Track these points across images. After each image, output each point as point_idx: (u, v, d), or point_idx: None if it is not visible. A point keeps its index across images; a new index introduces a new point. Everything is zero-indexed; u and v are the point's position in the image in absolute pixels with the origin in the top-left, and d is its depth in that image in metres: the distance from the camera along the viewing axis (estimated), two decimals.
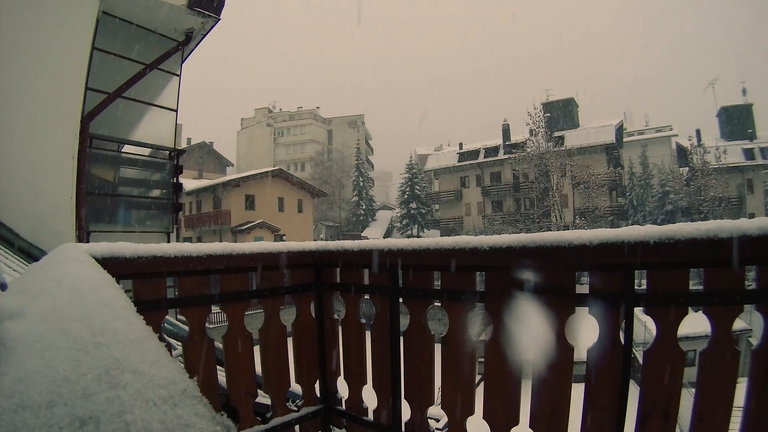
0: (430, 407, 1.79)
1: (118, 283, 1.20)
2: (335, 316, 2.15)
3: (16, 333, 0.85)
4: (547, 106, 33.10)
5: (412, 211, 37.32)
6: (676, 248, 1.16)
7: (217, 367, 1.71)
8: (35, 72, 3.29)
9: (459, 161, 37.14)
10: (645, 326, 9.04)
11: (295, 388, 2.06)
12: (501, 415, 1.53)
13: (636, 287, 1.29)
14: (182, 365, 1.53)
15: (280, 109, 54.05)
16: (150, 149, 6.01)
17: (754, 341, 1.19)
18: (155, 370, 0.92)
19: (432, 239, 1.66)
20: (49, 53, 3.41)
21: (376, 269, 1.88)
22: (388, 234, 38.30)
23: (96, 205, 5.14)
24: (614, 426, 1.29)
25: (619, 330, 1.32)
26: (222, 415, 1.39)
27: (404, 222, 37.62)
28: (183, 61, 5.86)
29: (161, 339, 1.30)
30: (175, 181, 5.97)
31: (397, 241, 1.77)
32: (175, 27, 5.35)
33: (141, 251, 1.45)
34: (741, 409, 1.14)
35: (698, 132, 32.87)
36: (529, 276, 1.54)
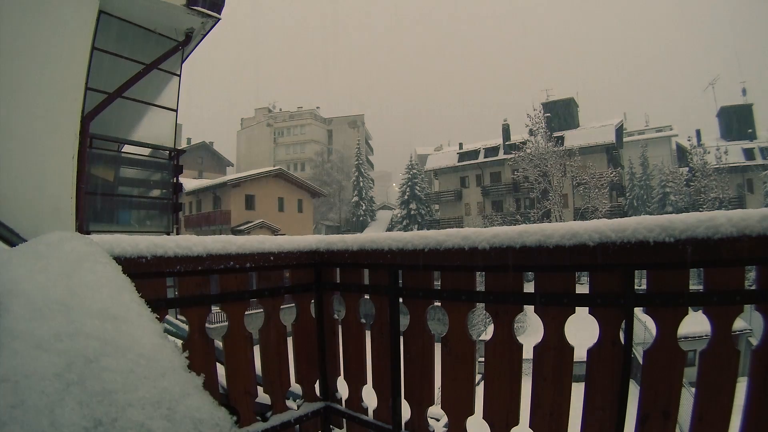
0: (430, 407, 1.79)
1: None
2: (335, 316, 2.15)
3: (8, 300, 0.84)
4: (547, 106, 33.06)
5: (412, 212, 37.28)
6: (676, 248, 1.16)
7: (218, 365, 1.71)
8: (35, 72, 3.29)
9: (459, 161, 37.09)
10: (645, 326, 9.03)
11: (295, 387, 2.06)
12: (501, 415, 1.53)
13: (636, 287, 1.29)
14: None
15: (280, 109, 54.08)
16: (150, 149, 6.00)
17: (754, 341, 1.19)
18: (157, 358, 0.91)
19: (432, 232, 1.65)
20: (49, 53, 3.40)
21: (376, 269, 1.88)
22: None
23: (96, 205, 5.14)
24: (614, 426, 1.29)
25: (619, 330, 1.32)
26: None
27: (404, 222, 37.57)
28: (183, 61, 5.84)
29: None
30: (175, 181, 5.96)
31: (398, 237, 1.76)
32: (175, 27, 5.34)
33: (141, 249, 1.45)
34: (741, 408, 1.14)
35: (698, 132, 32.87)
36: (528, 275, 1.54)
